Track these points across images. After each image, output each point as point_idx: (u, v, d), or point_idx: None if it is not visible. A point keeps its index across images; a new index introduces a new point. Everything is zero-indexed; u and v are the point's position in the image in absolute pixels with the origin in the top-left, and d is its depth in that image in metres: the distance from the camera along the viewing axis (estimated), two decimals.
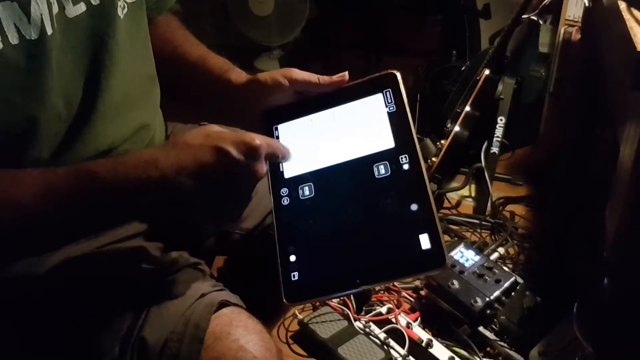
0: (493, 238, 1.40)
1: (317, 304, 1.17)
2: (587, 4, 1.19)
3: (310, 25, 1.97)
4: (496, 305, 1.11)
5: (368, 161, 0.56)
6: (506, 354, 1.07)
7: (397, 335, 1.10)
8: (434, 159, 1.38)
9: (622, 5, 0.69)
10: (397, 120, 0.58)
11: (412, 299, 1.22)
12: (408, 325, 1.12)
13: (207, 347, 0.57)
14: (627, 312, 0.66)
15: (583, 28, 1.26)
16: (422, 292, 1.21)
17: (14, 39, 0.50)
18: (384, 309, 1.16)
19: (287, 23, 1.94)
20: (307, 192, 0.56)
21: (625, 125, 0.67)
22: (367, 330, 1.10)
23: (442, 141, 1.39)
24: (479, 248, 1.27)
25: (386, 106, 0.59)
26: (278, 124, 0.62)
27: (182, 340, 0.57)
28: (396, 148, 0.56)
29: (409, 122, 0.57)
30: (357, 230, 0.54)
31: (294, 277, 0.52)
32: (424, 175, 0.53)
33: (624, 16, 0.66)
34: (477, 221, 1.46)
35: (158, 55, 0.70)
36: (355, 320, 1.12)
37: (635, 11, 0.67)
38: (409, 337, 1.08)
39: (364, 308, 1.17)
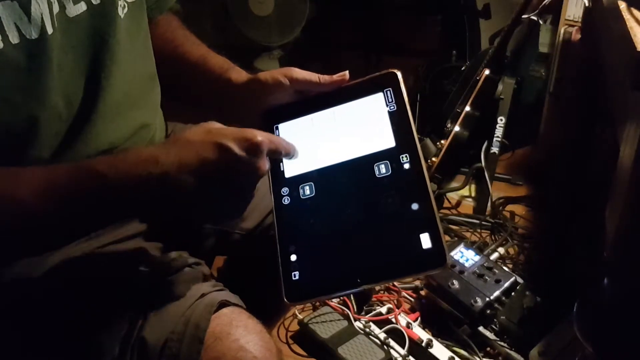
0: (493, 238, 1.40)
1: (317, 303, 1.17)
2: (587, 4, 1.19)
3: (310, 25, 1.97)
4: (496, 305, 1.11)
5: (369, 160, 0.56)
6: (506, 354, 1.07)
7: (397, 335, 1.10)
8: (434, 159, 1.39)
9: (622, 5, 0.69)
10: (397, 120, 0.57)
11: (412, 299, 1.22)
12: (408, 325, 1.12)
13: (207, 347, 0.57)
14: (627, 312, 0.66)
15: (583, 28, 1.26)
16: (422, 292, 1.21)
17: (14, 39, 0.50)
18: (384, 309, 1.16)
19: (287, 23, 1.94)
20: (307, 192, 0.56)
21: (625, 125, 0.67)
22: (367, 330, 1.10)
23: (442, 141, 1.39)
24: (479, 248, 1.27)
25: (387, 105, 0.59)
26: (278, 124, 0.62)
27: (182, 340, 0.57)
28: (397, 147, 0.56)
29: (410, 121, 0.57)
30: (358, 229, 0.54)
31: (294, 276, 0.52)
32: (424, 175, 0.53)
33: (624, 16, 0.66)
34: (477, 221, 1.46)
35: (158, 54, 0.70)
36: (355, 320, 1.12)
37: (635, 11, 0.67)
38: (409, 337, 1.08)
39: (364, 308, 1.17)
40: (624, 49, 0.62)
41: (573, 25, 1.36)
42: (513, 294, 1.13)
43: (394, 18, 2.03)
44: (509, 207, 1.52)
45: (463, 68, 1.59)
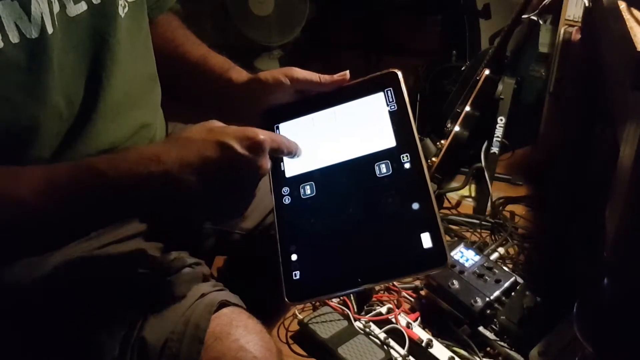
0: (493, 238, 1.41)
1: (317, 303, 1.17)
2: (587, 4, 1.19)
3: (310, 25, 1.97)
4: (496, 305, 1.11)
5: (369, 160, 0.56)
6: (506, 354, 1.07)
7: (397, 335, 1.10)
8: (434, 159, 1.39)
9: (622, 5, 0.69)
10: (398, 119, 0.58)
11: (412, 299, 1.22)
12: (408, 325, 1.12)
13: (207, 347, 0.57)
14: (627, 312, 0.66)
15: (583, 28, 1.26)
16: (422, 292, 1.21)
17: (14, 38, 0.49)
18: (384, 309, 1.16)
19: (287, 23, 1.94)
20: (308, 191, 0.56)
21: (625, 125, 0.67)
22: (367, 330, 1.10)
23: (442, 141, 1.39)
24: (479, 248, 1.27)
25: (387, 105, 0.59)
26: (279, 123, 0.62)
27: (182, 340, 0.57)
28: (397, 147, 0.56)
29: (410, 121, 0.57)
30: (359, 229, 0.54)
31: (295, 276, 0.52)
32: (425, 174, 0.53)
33: (624, 16, 0.66)
34: (477, 221, 1.46)
35: (159, 54, 0.70)
36: (355, 320, 1.12)
37: (635, 11, 0.67)
38: (409, 337, 1.08)
39: (364, 308, 1.17)
40: (624, 49, 0.62)
41: (573, 25, 1.36)
42: (513, 294, 1.13)
43: (394, 18, 2.03)
44: (509, 207, 1.52)
45: (463, 68, 1.59)
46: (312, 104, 0.62)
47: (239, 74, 0.67)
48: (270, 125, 0.62)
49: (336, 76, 0.62)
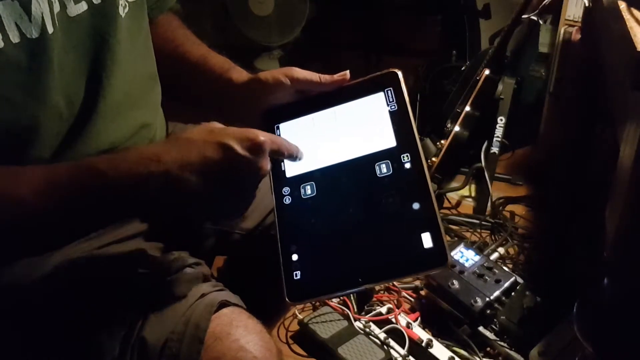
0: (493, 238, 1.41)
1: (318, 303, 1.17)
2: (587, 4, 1.19)
3: (310, 25, 1.97)
4: (496, 305, 1.11)
5: (370, 160, 0.56)
6: (506, 354, 1.07)
7: (397, 335, 1.10)
8: (434, 159, 1.39)
9: (622, 5, 0.69)
10: (398, 119, 0.58)
11: (412, 299, 1.22)
12: (408, 325, 1.12)
13: (207, 347, 0.57)
14: (627, 312, 0.66)
15: (583, 28, 1.26)
16: (422, 292, 1.21)
17: (15, 38, 0.49)
18: (384, 309, 1.16)
19: (287, 23, 1.94)
20: (309, 192, 0.56)
21: (625, 125, 0.67)
22: (367, 330, 1.10)
23: (442, 141, 1.39)
24: (479, 248, 1.27)
25: (388, 105, 0.59)
26: (279, 123, 0.62)
27: (182, 340, 0.57)
28: (398, 147, 0.56)
29: (411, 120, 0.57)
30: (359, 229, 0.54)
31: (296, 276, 0.52)
32: (425, 174, 0.53)
33: (624, 16, 0.66)
34: (477, 221, 1.46)
35: (159, 54, 0.70)
36: (355, 320, 1.12)
37: (635, 11, 0.67)
38: (409, 337, 1.08)
39: (364, 307, 1.17)
40: (624, 49, 0.62)
41: (573, 25, 1.36)
42: (513, 294, 1.13)
43: (394, 18, 2.03)
44: (509, 207, 1.52)
45: (463, 68, 1.59)
46: (313, 104, 0.62)
47: (239, 74, 0.67)
48: (271, 125, 0.62)
49: (336, 76, 0.62)
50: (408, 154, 0.55)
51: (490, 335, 1.10)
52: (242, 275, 0.83)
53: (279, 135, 0.61)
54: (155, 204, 0.53)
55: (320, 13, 1.99)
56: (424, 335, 1.10)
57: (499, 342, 1.08)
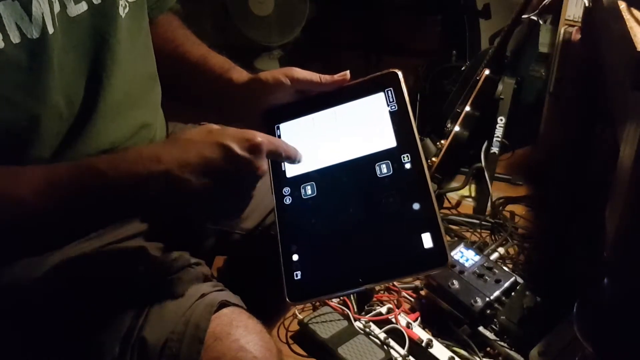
0: (493, 238, 1.41)
1: (318, 303, 1.17)
2: (587, 4, 1.19)
3: (310, 25, 1.97)
4: (496, 305, 1.11)
5: (370, 160, 0.56)
6: (506, 354, 1.07)
7: (397, 335, 1.10)
8: (434, 159, 1.39)
9: (622, 5, 0.69)
10: (398, 119, 0.58)
11: (412, 299, 1.22)
12: (408, 325, 1.12)
13: (207, 347, 0.57)
14: (627, 312, 0.66)
15: (583, 28, 1.26)
16: (422, 292, 1.21)
17: (15, 38, 0.50)
18: (384, 309, 1.16)
19: (287, 23, 1.94)
20: (309, 192, 0.56)
21: (625, 125, 0.67)
22: (367, 330, 1.10)
23: (442, 141, 1.39)
24: (479, 248, 1.27)
25: (388, 105, 0.59)
26: (280, 123, 0.62)
27: (182, 340, 0.57)
28: (398, 147, 0.56)
29: (411, 121, 0.57)
30: (359, 229, 0.54)
31: (296, 276, 0.52)
32: (425, 174, 0.53)
33: (624, 16, 0.66)
34: (477, 221, 1.46)
35: (159, 54, 0.70)
36: (355, 320, 1.12)
37: (635, 11, 0.67)
38: (409, 337, 1.08)
39: (365, 307, 1.17)
40: (624, 49, 0.62)
41: (573, 25, 1.36)
42: (513, 294, 1.13)
43: (394, 18, 2.03)
44: (509, 207, 1.52)
45: (463, 68, 1.59)
46: (313, 104, 0.62)
47: (239, 74, 0.67)
48: (271, 125, 0.62)
49: (336, 76, 0.62)
50: (408, 154, 0.55)
51: (490, 335, 1.10)
52: (242, 275, 0.83)
53: (279, 135, 0.61)
54: (155, 203, 0.53)
55: (320, 13, 1.99)
56: (424, 335, 1.10)
57: (499, 342, 1.08)
